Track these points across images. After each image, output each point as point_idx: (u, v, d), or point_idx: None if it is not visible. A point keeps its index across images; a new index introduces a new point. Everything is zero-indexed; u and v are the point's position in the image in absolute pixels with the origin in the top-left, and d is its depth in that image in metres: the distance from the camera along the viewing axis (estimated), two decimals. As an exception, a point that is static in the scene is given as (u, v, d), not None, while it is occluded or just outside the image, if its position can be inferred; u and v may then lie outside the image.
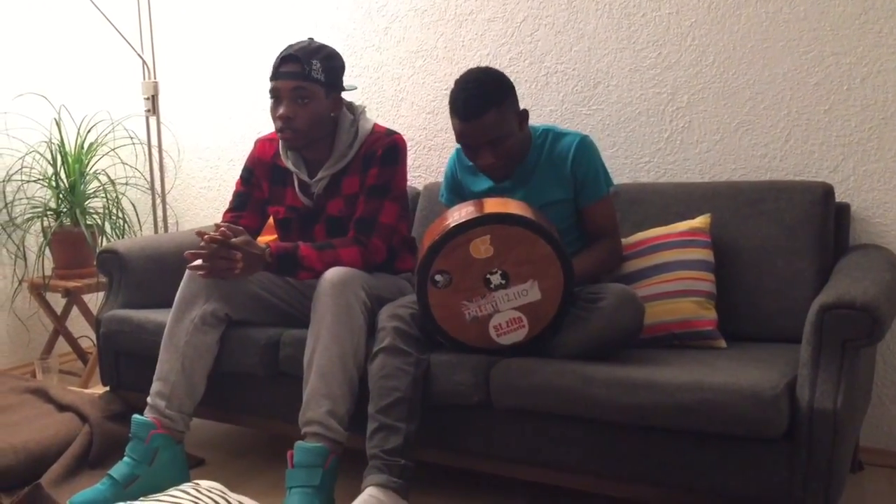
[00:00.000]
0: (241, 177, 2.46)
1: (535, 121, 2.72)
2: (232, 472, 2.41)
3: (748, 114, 2.46)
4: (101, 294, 3.37)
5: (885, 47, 2.27)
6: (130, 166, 3.64)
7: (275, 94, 2.24)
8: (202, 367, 2.23)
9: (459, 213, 1.99)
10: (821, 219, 2.19)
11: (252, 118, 3.40)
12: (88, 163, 3.38)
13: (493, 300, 1.95)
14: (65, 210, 3.32)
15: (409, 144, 3.00)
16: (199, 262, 2.13)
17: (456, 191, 2.34)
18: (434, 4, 2.92)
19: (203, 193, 3.60)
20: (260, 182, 2.44)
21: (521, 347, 1.98)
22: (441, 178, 2.77)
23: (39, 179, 3.37)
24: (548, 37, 2.74)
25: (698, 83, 2.52)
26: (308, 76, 2.20)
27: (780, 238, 2.21)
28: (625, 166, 2.64)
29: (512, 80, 2.14)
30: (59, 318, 3.39)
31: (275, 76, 2.23)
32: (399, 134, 2.34)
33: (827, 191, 2.21)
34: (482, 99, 2.04)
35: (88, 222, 3.30)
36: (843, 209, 2.27)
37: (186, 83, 3.56)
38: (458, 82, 2.11)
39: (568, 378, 1.85)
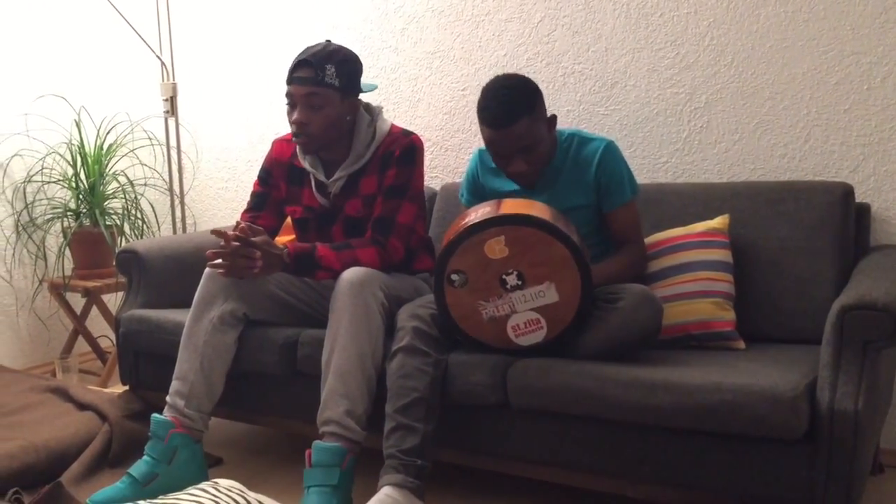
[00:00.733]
0: (259, 177, 2.47)
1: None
2: (250, 471, 2.42)
3: (767, 114, 2.45)
4: (120, 294, 3.40)
5: (906, 46, 2.26)
6: (149, 167, 3.66)
7: (290, 98, 2.25)
8: (221, 367, 2.25)
9: (476, 213, 1.99)
10: (841, 219, 2.18)
11: (270, 119, 3.41)
12: (108, 164, 3.41)
13: (509, 301, 1.95)
14: (84, 211, 3.35)
15: (426, 145, 3.00)
16: (219, 261, 2.15)
17: (477, 192, 2.34)
18: (451, 5, 2.92)
19: (221, 194, 3.61)
20: (277, 182, 2.45)
21: (539, 349, 1.98)
22: (458, 178, 2.78)
23: (59, 180, 3.40)
24: (565, 37, 2.73)
25: (717, 83, 2.50)
26: (321, 82, 2.21)
27: (799, 239, 2.19)
28: (643, 167, 2.63)
29: (529, 80, 2.15)
30: (79, 317, 3.41)
31: (290, 81, 2.24)
32: (416, 134, 2.35)
33: (847, 191, 2.20)
34: (513, 107, 2.04)
35: (108, 223, 3.33)
36: (864, 209, 2.25)
37: (205, 84, 3.58)
38: (486, 90, 2.10)
39: (586, 379, 1.85)
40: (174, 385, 2.22)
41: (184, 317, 2.33)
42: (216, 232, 2.13)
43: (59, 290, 3.32)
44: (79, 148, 3.36)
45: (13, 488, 2.11)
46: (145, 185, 3.62)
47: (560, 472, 1.98)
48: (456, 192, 2.61)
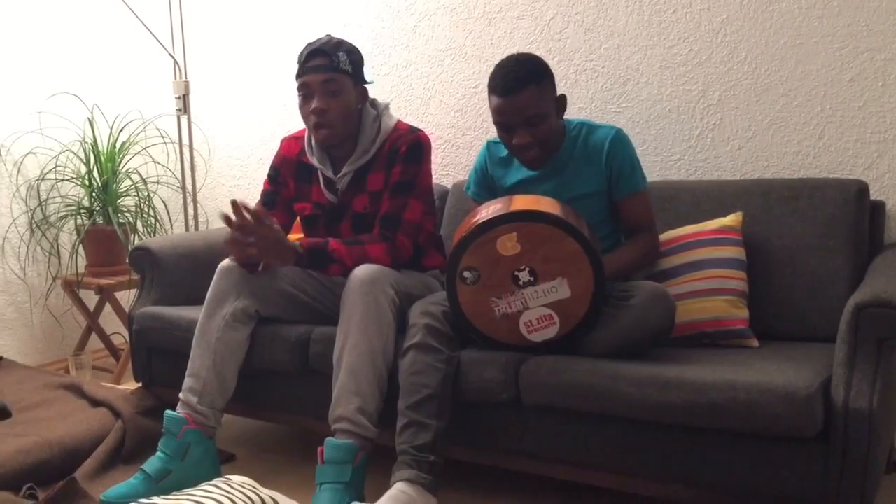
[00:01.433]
0: (269, 176, 2.48)
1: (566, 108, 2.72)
2: (262, 467, 2.43)
3: (781, 111, 2.43)
4: (133, 291, 3.42)
5: (921, 42, 2.24)
6: (162, 165, 3.68)
7: (305, 89, 2.25)
8: (233, 364, 2.25)
9: (487, 210, 1.99)
10: (855, 217, 2.16)
11: (281, 117, 3.42)
12: (121, 161, 3.42)
13: (522, 297, 1.95)
14: (97, 208, 3.36)
15: (437, 143, 3.01)
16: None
17: (485, 185, 2.34)
18: (463, 2, 2.92)
19: (233, 192, 3.62)
20: (286, 180, 2.45)
21: (552, 344, 1.98)
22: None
23: (73, 178, 3.42)
24: (577, 34, 2.73)
25: (730, 80, 2.49)
26: (337, 68, 2.22)
27: (813, 236, 2.18)
28: (655, 164, 2.62)
29: (541, 77, 2.14)
30: (92, 314, 3.43)
31: (303, 72, 2.24)
32: (423, 131, 2.35)
33: (861, 188, 2.18)
34: (522, 75, 2.06)
35: (121, 220, 3.34)
36: (878, 207, 2.24)
37: (217, 82, 3.59)
38: (497, 65, 2.13)
39: (599, 376, 1.84)
40: (187, 382, 2.23)
41: (196, 314, 2.34)
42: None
43: (72, 288, 3.34)
44: (92, 146, 3.38)
45: (27, 484, 2.13)
46: (158, 182, 3.63)
47: (572, 469, 1.98)
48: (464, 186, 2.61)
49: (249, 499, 1.71)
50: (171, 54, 3.42)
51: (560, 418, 1.95)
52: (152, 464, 2.13)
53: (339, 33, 3.16)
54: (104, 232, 3.32)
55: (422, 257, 2.42)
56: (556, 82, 2.73)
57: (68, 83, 3.46)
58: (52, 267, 3.45)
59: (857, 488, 1.64)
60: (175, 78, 3.47)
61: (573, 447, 1.94)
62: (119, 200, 3.40)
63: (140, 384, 2.69)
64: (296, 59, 2.29)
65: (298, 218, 2.49)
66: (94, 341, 3.51)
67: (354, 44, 2.50)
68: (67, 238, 3.49)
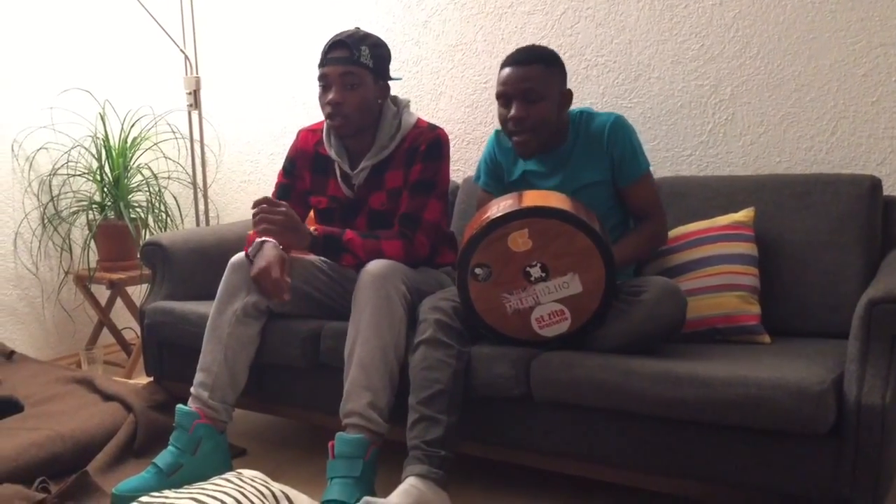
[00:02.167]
0: (284, 168, 2.48)
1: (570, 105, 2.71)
2: (273, 462, 2.43)
3: (793, 106, 2.42)
4: (144, 286, 3.43)
5: (935, 37, 2.23)
6: (173, 160, 3.68)
7: (324, 80, 2.25)
8: (244, 359, 2.26)
9: (498, 206, 1.99)
10: (868, 212, 2.15)
11: (292, 113, 3.42)
12: (132, 157, 3.43)
13: (533, 293, 1.95)
14: (109, 203, 3.38)
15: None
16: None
17: (494, 174, 2.33)
18: (474, -3, 2.92)
19: (244, 187, 3.63)
20: (302, 172, 2.45)
21: (563, 340, 1.98)
22: (480, 172, 2.77)
23: (85, 173, 3.43)
24: (588, 29, 2.72)
25: (742, 75, 2.48)
26: (357, 61, 2.22)
27: (825, 232, 2.17)
28: (666, 159, 2.61)
29: (553, 72, 2.14)
30: (104, 309, 3.44)
31: (324, 62, 2.25)
32: (442, 129, 2.34)
33: (874, 184, 2.17)
34: (535, 53, 2.12)
35: (132, 216, 3.36)
36: (891, 203, 2.22)
37: (228, 78, 3.60)
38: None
39: (610, 372, 1.84)
40: (198, 376, 2.24)
41: (208, 309, 2.34)
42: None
43: (84, 283, 3.35)
44: (103, 141, 3.39)
45: (40, 477, 2.13)
46: (169, 178, 3.64)
47: (583, 465, 1.98)
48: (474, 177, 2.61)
49: (261, 493, 1.72)
50: (182, 50, 3.43)
51: (571, 414, 1.95)
52: (164, 458, 2.13)
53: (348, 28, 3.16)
54: (116, 227, 3.34)
55: (434, 254, 2.41)
56: (567, 77, 2.73)
57: (80, 79, 3.47)
58: (63, 262, 3.46)
59: (870, 484, 1.64)
60: (186, 73, 3.47)
61: (584, 443, 1.94)
62: (130, 196, 3.41)
63: (151, 378, 2.70)
64: (307, 56, 2.30)
65: (313, 211, 2.49)
66: (106, 336, 3.52)
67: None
68: (79, 233, 3.50)
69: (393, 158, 2.32)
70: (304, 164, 2.45)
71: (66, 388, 2.70)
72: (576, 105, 2.74)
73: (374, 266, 2.13)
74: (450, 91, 3.02)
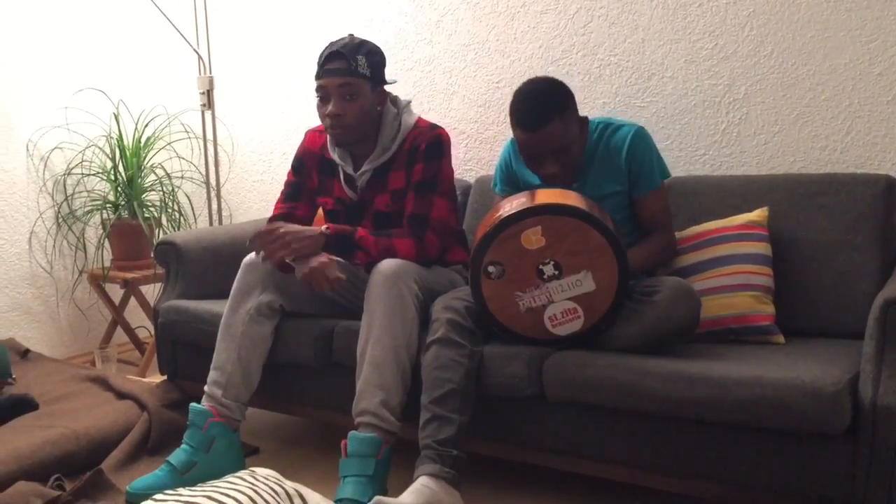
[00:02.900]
0: (293, 167, 2.49)
1: (587, 113, 2.70)
2: (286, 460, 2.44)
3: (808, 105, 2.41)
4: (158, 285, 3.45)
5: (952, 36, 2.21)
6: (186, 160, 3.70)
7: (322, 91, 2.25)
8: (258, 358, 2.27)
9: (511, 204, 1.99)
10: (883, 212, 2.14)
11: (304, 112, 3.43)
12: (146, 157, 3.45)
13: (546, 291, 1.94)
14: (123, 203, 3.39)
15: (460, 138, 3.00)
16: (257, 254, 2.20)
17: (510, 181, 2.34)
18: (486, -3, 2.92)
19: (256, 186, 3.64)
20: (310, 172, 2.46)
21: (576, 338, 1.97)
22: (493, 171, 2.77)
23: (99, 173, 3.45)
24: (601, 28, 2.71)
25: (756, 74, 2.47)
26: (354, 72, 2.22)
27: (840, 232, 2.16)
28: (679, 159, 2.61)
29: (564, 72, 2.13)
30: (118, 308, 3.46)
31: (321, 74, 2.25)
32: (442, 128, 2.35)
33: (890, 183, 2.16)
34: (545, 109, 2.03)
35: (146, 215, 3.37)
36: (907, 203, 2.21)
37: (241, 78, 3.61)
38: (517, 93, 2.10)
39: (623, 371, 1.84)
40: (212, 375, 2.25)
41: (221, 308, 2.35)
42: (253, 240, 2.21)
43: (98, 281, 3.37)
44: (117, 141, 3.41)
45: (55, 475, 2.15)
46: (182, 177, 3.66)
47: (595, 464, 1.98)
48: (491, 184, 2.61)
49: (274, 491, 1.73)
50: (195, 50, 3.44)
51: (584, 414, 1.94)
52: (177, 456, 2.15)
53: (362, 29, 3.16)
54: (129, 226, 3.35)
55: (445, 253, 2.42)
56: (581, 77, 2.73)
57: (94, 79, 3.49)
58: (78, 261, 3.48)
59: (885, 485, 1.63)
60: (199, 74, 3.49)
61: (597, 443, 1.94)
62: (144, 195, 3.43)
63: (165, 377, 2.71)
64: (318, 57, 2.30)
65: (321, 210, 2.50)
66: (120, 335, 3.54)
67: (377, 41, 2.51)
68: (93, 232, 3.52)
69: (395, 160, 2.33)
70: (311, 164, 2.46)
71: (80, 387, 2.72)
72: (589, 104, 2.74)
73: (387, 265, 2.13)
74: (462, 90, 3.02)
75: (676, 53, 2.59)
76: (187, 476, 2.11)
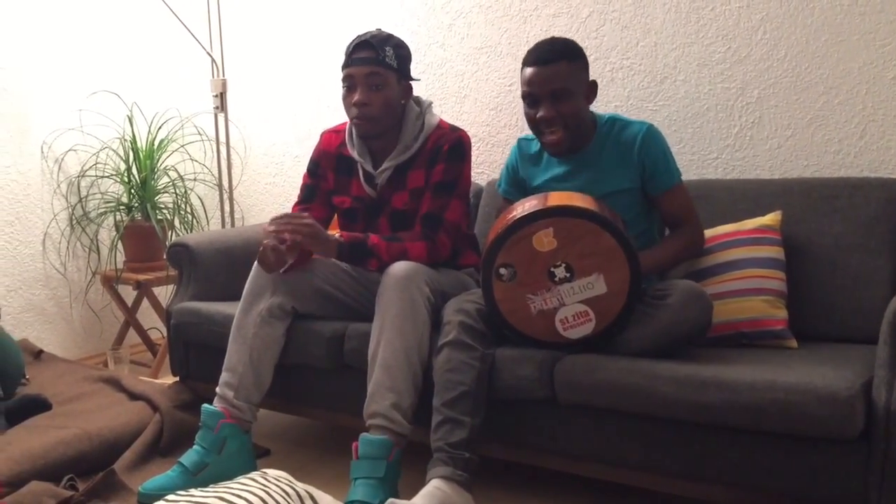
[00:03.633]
0: (308, 169, 2.49)
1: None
2: (297, 462, 2.44)
3: (821, 109, 2.40)
4: (170, 287, 3.46)
5: (967, 39, 2.20)
6: (199, 162, 3.71)
7: (348, 81, 2.26)
8: (269, 359, 2.27)
9: (523, 207, 1.99)
10: (897, 216, 2.13)
11: (317, 115, 3.44)
12: (159, 159, 3.47)
13: (558, 294, 1.94)
14: (136, 205, 3.41)
15: (472, 141, 3.00)
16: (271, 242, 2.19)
17: (516, 183, 2.34)
18: (498, 0, 2.92)
19: (269, 189, 3.66)
20: (326, 173, 2.47)
21: (588, 342, 1.97)
22: (504, 174, 2.77)
23: (112, 175, 3.47)
24: (613, 32, 2.71)
25: (769, 78, 2.47)
26: (382, 62, 2.23)
27: (854, 236, 2.15)
28: (692, 162, 2.60)
29: (578, 75, 2.13)
30: (130, 310, 3.48)
31: (348, 63, 2.26)
32: (464, 131, 2.35)
33: (904, 188, 2.15)
34: (556, 49, 2.11)
35: (159, 217, 3.39)
36: (921, 207, 2.20)
37: (254, 81, 3.62)
38: (536, 43, 2.18)
39: (634, 375, 1.83)
40: (224, 376, 2.26)
41: (233, 309, 2.36)
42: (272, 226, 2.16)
43: (111, 283, 3.39)
44: (131, 143, 3.42)
45: (68, 475, 2.16)
46: (195, 180, 3.67)
47: (607, 468, 1.97)
48: (496, 184, 2.61)
49: (285, 492, 1.73)
50: (209, 53, 3.46)
51: (595, 417, 1.94)
52: (189, 457, 2.15)
53: (374, 32, 3.17)
54: (142, 228, 3.37)
55: (457, 256, 2.42)
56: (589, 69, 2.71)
57: (108, 82, 3.51)
58: (91, 262, 3.50)
59: (899, 491, 1.62)
60: (213, 76, 3.50)
61: (608, 446, 1.93)
62: (157, 197, 3.45)
63: (177, 378, 2.72)
64: (332, 58, 2.31)
65: (337, 213, 2.50)
66: (132, 336, 3.55)
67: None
68: (107, 234, 3.54)
69: (416, 159, 2.33)
70: (327, 165, 2.46)
71: (93, 388, 2.73)
72: (601, 107, 2.73)
73: (398, 268, 2.13)
74: (474, 94, 3.02)
75: (689, 57, 2.59)
76: (199, 477, 2.12)
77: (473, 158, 3.00)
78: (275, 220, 2.15)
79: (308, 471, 2.37)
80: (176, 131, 3.59)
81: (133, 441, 2.38)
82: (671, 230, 2.20)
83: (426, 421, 2.01)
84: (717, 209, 2.34)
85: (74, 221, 3.42)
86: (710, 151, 2.58)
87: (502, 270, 1.96)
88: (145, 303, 3.53)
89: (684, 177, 2.44)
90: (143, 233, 3.38)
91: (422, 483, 1.91)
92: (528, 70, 2.12)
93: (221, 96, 3.48)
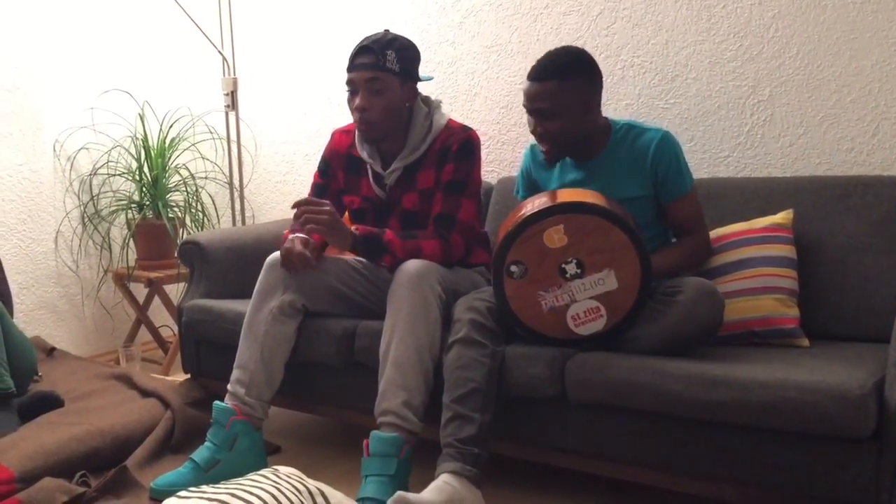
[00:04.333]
0: (319, 168, 2.50)
1: (610, 115, 2.70)
2: (308, 459, 2.45)
3: (833, 107, 2.39)
4: (181, 285, 3.47)
5: (981, 37, 2.19)
6: (210, 161, 3.73)
7: (351, 85, 2.27)
8: (280, 356, 2.28)
9: (533, 204, 1.99)
10: (910, 215, 2.12)
11: (327, 113, 3.45)
12: (170, 157, 3.48)
13: (569, 290, 1.94)
14: (148, 203, 3.43)
15: (482, 139, 3.00)
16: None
17: (531, 188, 2.35)
18: (509, -1, 2.92)
19: (279, 187, 3.67)
20: (335, 173, 2.47)
21: (599, 338, 1.97)
22: (515, 173, 2.77)
23: (124, 173, 3.48)
24: (624, 30, 2.71)
25: (781, 75, 2.46)
26: (382, 67, 2.23)
27: (866, 234, 2.14)
28: (703, 161, 2.59)
29: (588, 73, 2.12)
30: (142, 307, 3.49)
31: (351, 68, 2.26)
32: (473, 130, 2.35)
33: (917, 186, 2.14)
34: (549, 67, 2.10)
35: (170, 215, 3.40)
36: (934, 205, 2.19)
37: (264, 79, 3.63)
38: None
39: (645, 373, 1.83)
40: (235, 374, 2.26)
41: (244, 307, 2.37)
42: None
43: (123, 281, 3.41)
44: (143, 142, 3.44)
45: (80, 471, 2.17)
46: (206, 178, 3.69)
47: (617, 466, 1.97)
48: (512, 186, 2.61)
49: (297, 489, 1.73)
50: (220, 51, 3.47)
51: (606, 415, 1.94)
52: (201, 453, 2.16)
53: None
54: (154, 226, 3.38)
55: (468, 255, 2.42)
56: (604, 79, 2.70)
57: (120, 80, 3.53)
58: (103, 260, 3.52)
59: (912, 490, 1.61)
60: (224, 75, 3.51)
61: (619, 444, 1.93)
62: (168, 195, 3.46)
63: (188, 375, 2.73)
64: (342, 57, 2.31)
65: (347, 211, 2.51)
66: (144, 333, 3.57)
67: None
68: (118, 232, 3.56)
69: (425, 159, 2.33)
70: (337, 165, 2.46)
71: (105, 385, 2.75)
72: (612, 107, 2.73)
73: (411, 266, 2.14)
74: (485, 92, 3.02)
75: (700, 55, 2.58)
76: (210, 473, 2.13)
77: (483, 157, 3.00)
78: (299, 204, 2.16)
79: (319, 468, 2.38)
80: (187, 130, 3.61)
81: (145, 438, 2.39)
82: (678, 238, 2.20)
83: (437, 418, 2.01)
84: (728, 207, 2.34)
85: (86, 219, 3.44)
86: (721, 149, 2.57)
87: (513, 267, 1.97)
88: (157, 300, 3.55)
89: (695, 175, 2.43)
90: (154, 231, 3.39)
91: (432, 480, 1.91)
92: (525, 83, 2.14)
93: (232, 95, 3.49)
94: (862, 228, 2.15)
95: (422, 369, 2.08)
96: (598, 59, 2.73)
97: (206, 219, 3.53)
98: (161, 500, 1.81)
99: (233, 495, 1.66)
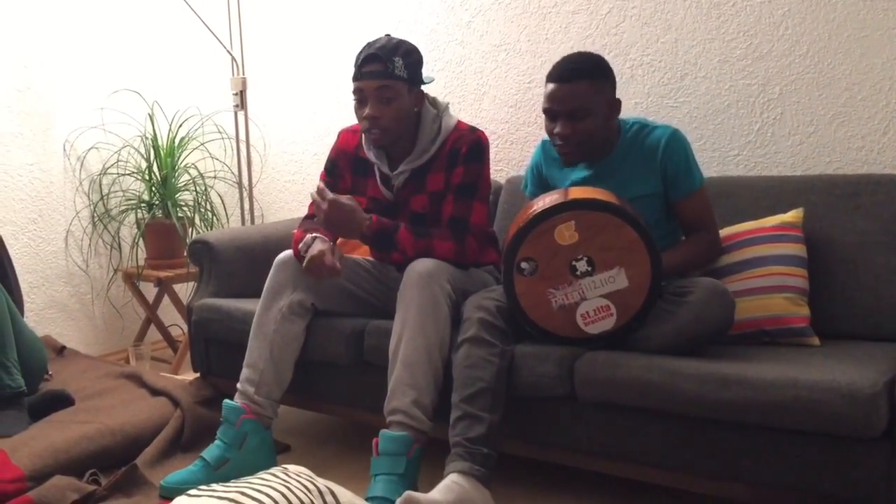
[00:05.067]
0: (326, 168, 2.50)
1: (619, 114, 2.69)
2: (317, 458, 2.45)
3: (844, 105, 2.38)
4: (190, 284, 3.48)
5: None
6: (219, 160, 3.73)
7: (359, 94, 2.25)
8: (290, 355, 2.28)
9: (544, 201, 1.99)
10: (921, 213, 2.11)
11: (336, 113, 3.45)
12: (179, 157, 3.49)
13: (579, 288, 1.94)
14: (157, 202, 3.44)
15: (491, 139, 3.00)
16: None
17: (541, 184, 2.34)
18: (518, -2, 2.92)
19: (288, 187, 3.67)
20: (343, 173, 2.47)
21: (608, 337, 1.97)
22: (524, 172, 2.77)
23: (134, 173, 3.50)
24: (633, 28, 2.70)
25: (791, 74, 2.45)
26: (391, 74, 2.21)
27: (877, 233, 2.13)
28: (713, 159, 2.59)
29: (597, 71, 2.12)
30: (151, 306, 3.50)
31: (358, 76, 2.25)
32: (482, 131, 2.34)
33: (928, 184, 2.13)
34: (580, 67, 2.10)
35: (179, 214, 3.41)
36: (945, 204, 2.18)
37: (273, 79, 3.64)
38: (563, 56, 2.17)
39: (655, 372, 1.83)
40: (244, 372, 2.27)
41: (254, 306, 2.37)
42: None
43: (132, 280, 3.42)
44: (152, 141, 3.45)
45: (91, 470, 2.18)
46: (215, 177, 3.69)
47: (627, 466, 1.97)
48: (521, 185, 2.61)
49: (306, 488, 1.73)
50: (229, 51, 3.47)
51: (615, 414, 1.94)
52: (211, 452, 2.17)
53: (393, 30, 3.17)
54: (163, 225, 3.39)
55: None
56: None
57: (130, 80, 3.54)
58: (113, 259, 3.53)
59: (924, 490, 1.60)
60: (233, 75, 3.52)
61: (628, 444, 1.93)
62: (178, 195, 3.47)
63: (198, 374, 2.74)
64: (351, 57, 2.30)
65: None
66: (153, 332, 3.58)
67: (411, 41, 2.50)
68: (128, 231, 3.57)
69: (434, 161, 2.33)
70: (344, 165, 2.46)
71: (115, 383, 2.75)
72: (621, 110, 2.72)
73: (421, 265, 2.14)
74: (493, 91, 3.02)
75: (710, 53, 2.57)
76: (220, 472, 2.13)
77: (492, 156, 2.99)
78: (321, 193, 2.16)
79: (328, 467, 2.38)
80: (196, 129, 3.62)
81: (155, 436, 2.39)
82: (687, 235, 2.19)
83: (446, 418, 2.01)
84: (738, 206, 2.33)
85: (96, 219, 3.45)
86: (731, 148, 2.57)
87: (524, 264, 1.96)
88: (166, 299, 3.56)
89: (705, 174, 2.43)
90: (163, 230, 3.40)
91: (441, 479, 1.91)
92: (550, 86, 2.11)
93: (241, 94, 3.49)
94: (872, 227, 2.14)
95: (431, 368, 2.08)
96: (608, 57, 2.71)
97: (215, 218, 3.54)
98: (171, 499, 1.81)
99: (243, 494, 1.66)
